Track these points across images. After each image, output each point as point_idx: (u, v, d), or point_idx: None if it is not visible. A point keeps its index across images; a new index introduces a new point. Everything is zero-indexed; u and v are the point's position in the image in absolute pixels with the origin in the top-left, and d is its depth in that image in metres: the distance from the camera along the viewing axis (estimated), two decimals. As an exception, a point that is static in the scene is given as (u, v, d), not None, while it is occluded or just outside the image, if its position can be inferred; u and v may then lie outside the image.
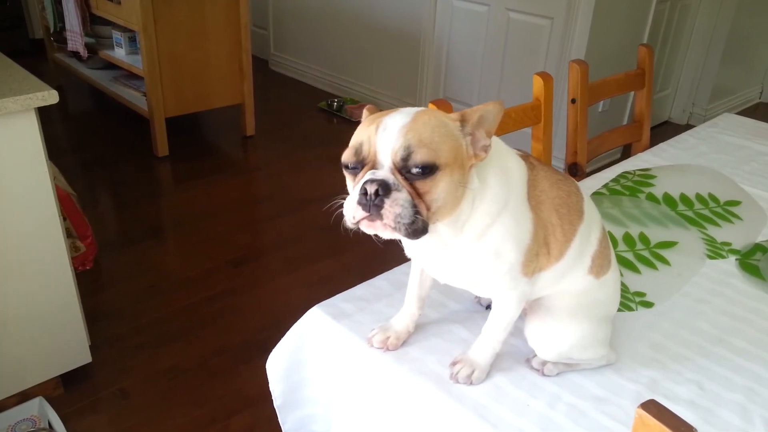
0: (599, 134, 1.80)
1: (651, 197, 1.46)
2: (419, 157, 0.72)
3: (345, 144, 0.80)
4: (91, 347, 1.84)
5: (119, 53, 3.50)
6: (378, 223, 0.73)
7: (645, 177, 1.56)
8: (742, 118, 2.01)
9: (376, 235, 0.76)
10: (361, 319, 1.04)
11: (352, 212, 0.74)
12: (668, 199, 1.45)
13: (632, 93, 3.45)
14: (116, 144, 3.47)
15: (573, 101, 1.61)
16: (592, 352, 0.92)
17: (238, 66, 3.41)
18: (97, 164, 3.24)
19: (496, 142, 0.84)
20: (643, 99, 1.82)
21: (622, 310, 1.07)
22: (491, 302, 0.92)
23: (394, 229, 0.73)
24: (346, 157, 0.77)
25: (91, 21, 3.50)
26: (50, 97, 1.50)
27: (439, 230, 0.79)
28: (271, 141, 3.63)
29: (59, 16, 3.68)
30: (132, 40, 3.43)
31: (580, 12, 2.99)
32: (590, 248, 0.92)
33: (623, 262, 1.22)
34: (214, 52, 3.29)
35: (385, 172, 0.73)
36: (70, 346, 1.78)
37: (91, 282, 2.32)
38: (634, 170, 1.61)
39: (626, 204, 1.42)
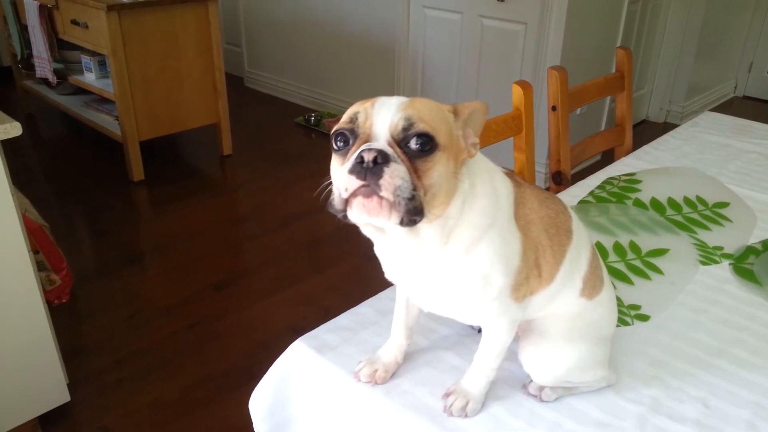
0: (581, 140, 1.77)
1: (638, 203, 1.43)
2: (421, 126, 0.68)
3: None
4: (69, 385, 1.77)
5: (89, 78, 3.42)
6: (374, 200, 0.65)
7: (630, 182, 1.53)
8: (723, 116, 1.99)
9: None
10: (347, 351, 0.98)
11: (344, 183, 0.66)
12: (656, 204, 1.42)
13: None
14: (90, 170, 3.39)
15: (554, 108, 1.58)
16: (591, 375, 0.88)
17: (212, 85, 3.35)
18: (71, 192, 3.16)
19: (483, 158, 0.80)
20: (624, 102, 1.80)
21: (619, 325, 1.03)
22: (483, 325, 0.87)
23: (393, 204, 0.65)
24: (340, 125, 0.71)
25: (59, 46, 3.42)
26: (12, 129, 1.44)
27: (425, 235, 0.73)
28: (250, 159, 3.58)
29: (26, 43, 3.60)
30: (102, 64, 3.36)
31: (553, 16, 2.98)
32: (581, 269, 0.87)
33: (615, 273, 1.18)
34: (186, 73, 3.23)
35: (381, 144, 0.67)
36: (46, 385, 1.71)
37: (67, 315, 2.24)
38: (618, 176, 1.57)
39: (614, 211, 1.39)
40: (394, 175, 0.65)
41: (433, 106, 0.72)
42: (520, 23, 3.12)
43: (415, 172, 0.67)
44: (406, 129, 0.68)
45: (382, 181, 0.65)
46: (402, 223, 0.67)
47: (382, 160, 0.65)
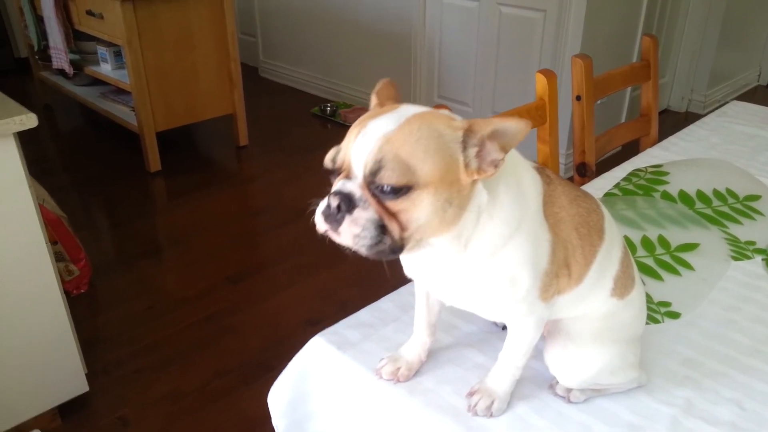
0: (606, 131, 1.73)
1: (666, 196, 1.39)
2: (387, 176, 0.64)
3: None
4: (88, 375, 1.77)
5: (105, 68, 3.42)
6: (340, 238, 0.68)
7: (658, 174, 1.48)
8: (752, 105, 1.93)
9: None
10: (368, 348, 0.96)
11: (317, 222, 0.69)
12: (684, 197, 1.38)
13: (631, 83, 3.39)
14: (107, 161, 3.40)
15: (578, 98, 1.54)
16: (621, 376, 0.85)
17: (227, 75, 3.33)
18: (88, 183, 3.17)
19: (511, 152, 0.76)
20: (650, 91, 1.75)
21: (648, 323, 1.00)
22: (508, 322, 0.84)
23: (354, 247, 0.67)
24: (325, 161, 0.71)
25: (75, 37, 3.42)
26: (29, 120, 1.43)
27: (438, 245, 0.71)
28: (266, 150, 3.56)
29: (42, 34, 3.61)
30: (117, 55, 3.36)
31: (573, 2, 2.92)
32: (612, 269, 0.84)
33: (644, 268, 1.15)
34: (201, 63, 3.21)
35: (353, 185, 0.66)
36: (65, 375, 1.72)
37: (86, 306, 2.25)
38: (645, 167, 1.53)
39: (641, 204, 1.35)
40: (354, 224, 0.66)
41: (425, 134, 0.65)
42: (539, 11, 3.06)
43: (388, 212, 0.66)
44: (373, 173, 0.65)
45: (341, 229, 0.67)
46: (373, 257, 0.68)
47: (345, 207, 0.66)
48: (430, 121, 0.67)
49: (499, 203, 0.72)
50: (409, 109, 0.69)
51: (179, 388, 1.87)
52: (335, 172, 0.70)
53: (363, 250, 0.67)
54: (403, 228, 0.66)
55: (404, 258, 0.80)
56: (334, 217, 0.66)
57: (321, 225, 0.69)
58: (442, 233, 0.69)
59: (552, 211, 0.77)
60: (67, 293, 2.22)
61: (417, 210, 0.66)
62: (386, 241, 0.66)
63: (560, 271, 0.78)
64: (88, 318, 2.17)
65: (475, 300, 0.80)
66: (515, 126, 0.66)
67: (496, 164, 0.68)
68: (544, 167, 0.81)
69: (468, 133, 0.67)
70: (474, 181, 0.69)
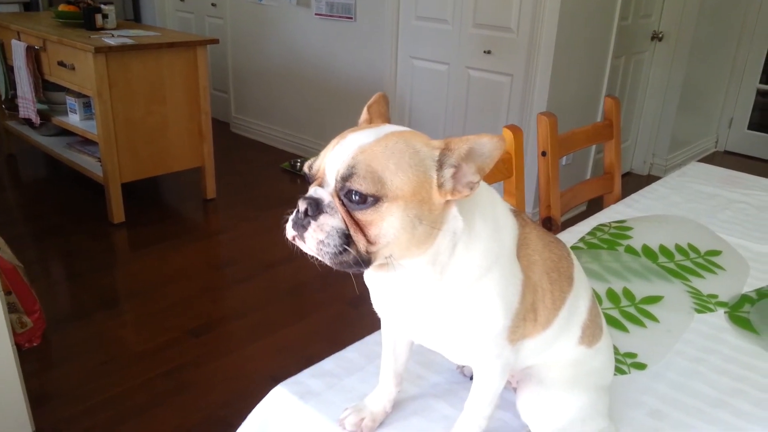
0: (570, 187, 1.76)
1: (630, 250, 1.41)
2: (357, 182, 0.64)
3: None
4: (34, 434, 1.68)
5: (73, 119, 3.40)
6: (306, 246, 0.67)
7: (621, 229, 1.51)
8: (710, 166, 2.00)
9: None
10: (331, 398, 0.93)
11: (288, 228, 0.68)
12: (648, 251, 1.40)
13: (593, 147, 3.50)
14: (69, 212, 3.33)
15: (543, 154, 1.57)
16: (592, 425, 0.83)
17: (198, 129, 3.34)
18: (48, 233, 3.09)
19: (488, 190, 0.76)
20: (613, 150, 1.80)
21: (616, 374, 0.99)
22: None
23: (317, 254, 0.66)
24: (304, 167, 0.72)
25: (44, 87, 3.41)
26: (-12, 163, 1.40)
27: (412, 269, 0.70)
28: (233, 203, 3.54)
29: (12, 83, 3.59)
30: (87, 106, 3.35)
31: (538, 69, 3.03)
32: (579, 318, 0.83)
33: (609, 320, 1.15)
34: (172, 116, 3.21)
35: (324, 192, 0.66)
36: (10, 433, 1.62)
37: (38, 360, 2.14)
38: (609, 222, 1.56)
39: (605, 258, 1.36)
40: (319, 229, 0.65)
41: (401, 149, 0.66)
42: (506, 75, 3.17)
43: (356, 223, 0.65)
44: (344, 179, 0.65)
45: (306, 234, 0.66)
46: (336, 267, 0.67)
47: (312, 212, 0.66)
48: (408, 138, 0.68)
49: (476, 235, 0.71)
50: (390, 127, 0.70)
51: (132, 447, 1.78)
52: (311, 181, 0.70)
53: (326, 259, 0.66)
54: (370, 241, 0.66)
55: (374, 290, 0.79)
56: (302, 223, 0.66)
57: (289, 231, 0.68)
58: (413, 253, 0.68)
59: (526, 253, 0.77)
60: (18, 346, 2.12)
61: (385, 223, 0.65)
62: (350, 252, 0.65)
63: (527, 314, 0.77)
64: (38, 373, 2.07)
65: (445, 337, 0.77)
66: (490, 143, 0.65)
67: (471, 186, 0.67)
68: (520, 211, 0.81)
69: (445, 152, 0.67)
70: (448, 203, 0.68)
